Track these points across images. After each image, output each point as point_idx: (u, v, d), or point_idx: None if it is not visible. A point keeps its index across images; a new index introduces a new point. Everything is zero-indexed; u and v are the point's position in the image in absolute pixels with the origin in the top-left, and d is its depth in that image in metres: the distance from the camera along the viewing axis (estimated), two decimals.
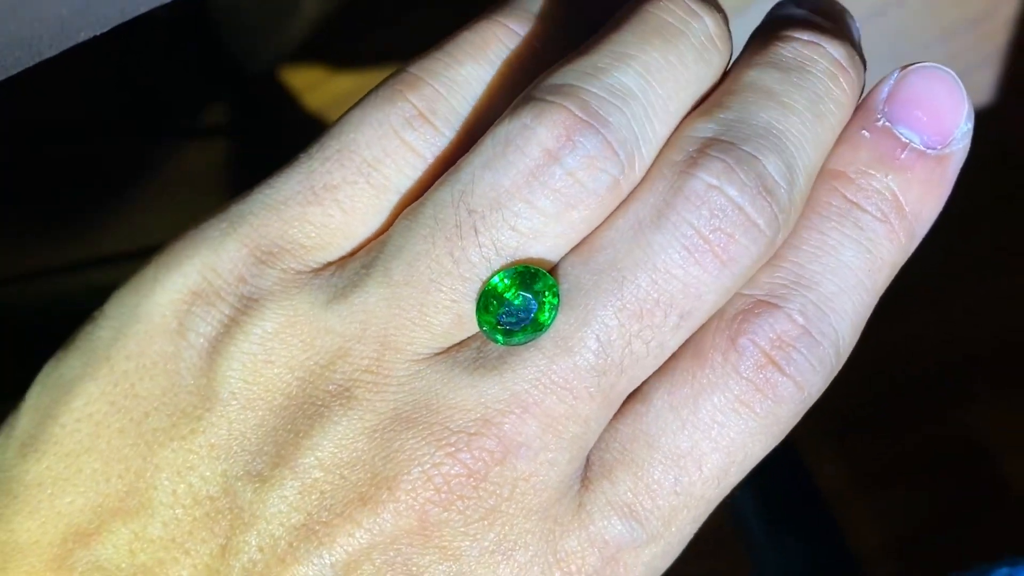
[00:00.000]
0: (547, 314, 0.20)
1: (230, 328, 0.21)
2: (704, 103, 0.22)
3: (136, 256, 0.45)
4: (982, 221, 0.59)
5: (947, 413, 0.61)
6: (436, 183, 0.21)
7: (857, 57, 0.23)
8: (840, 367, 0.22)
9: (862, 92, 0.23)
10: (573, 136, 0.20)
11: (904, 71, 0.23)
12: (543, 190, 0.20)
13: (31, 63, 0.19)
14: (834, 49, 0.23)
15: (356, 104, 0.22)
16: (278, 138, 0.55)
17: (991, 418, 0.61)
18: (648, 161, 0.21)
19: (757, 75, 0.22)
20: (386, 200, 0.22)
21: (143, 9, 0.18)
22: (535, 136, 0.20)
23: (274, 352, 0.21)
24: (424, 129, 0.22)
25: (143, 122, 0.50)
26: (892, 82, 0.23)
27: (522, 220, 0.20)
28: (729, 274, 0.21)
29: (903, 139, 0.22)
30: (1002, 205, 0.61)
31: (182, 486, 0.21)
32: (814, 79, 0.22)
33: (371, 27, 0.56)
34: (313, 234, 0.22)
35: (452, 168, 0.21)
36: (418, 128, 0.22)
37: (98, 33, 0.18)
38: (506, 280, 0.20)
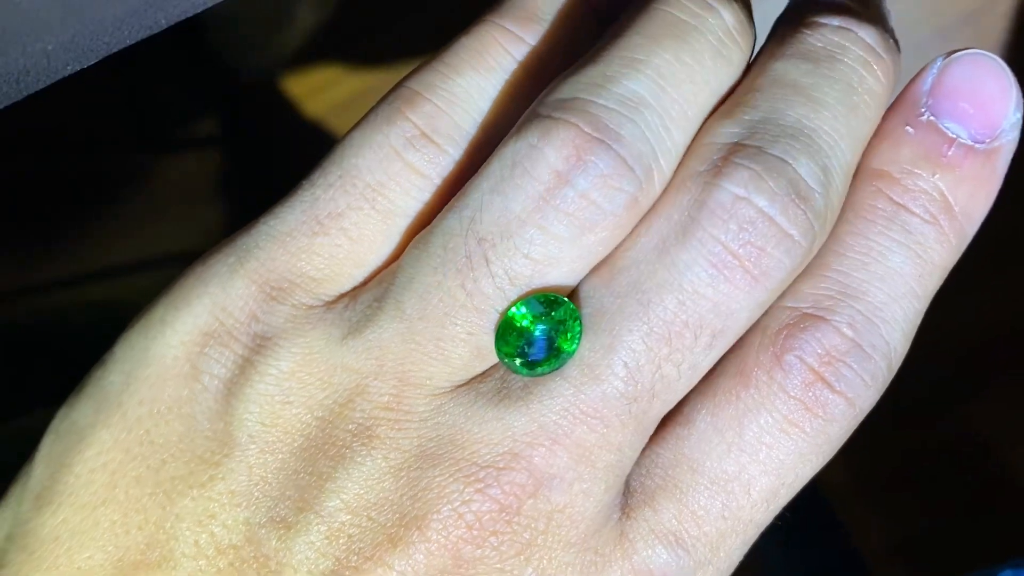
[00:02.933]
0: (571, 343, 0.19)
1: (245, 369, 0.20)
2: (726, 103, 0.21)
3: (133, 270, 0.45)
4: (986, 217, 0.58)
5: (954, 411, 0.61)
6: (444, 209, 0.20)
7: (891, 41, 0.22)
8: (891, 379, 0.21)
9: (897, 79, 0.22)
10: (584, 155, 0.19)
11: (947, 60, 0.21)
12: (556, 214, 0.19)
13: (18, 98, 0.18)
14: (866, 34, 0.21)
15: (356, 125, 0.22)
16: (275, 148, 0.55)
17: (998, 416, 0.61)
18: (668, 173, 0.20)
19: (783, 68, 0.21)
20: (394, 225, 0.21)
21: (129, 42, 0.18)
22: (543, 157, 0.19)
23: (291, 392, 0.20)
24: (427, 149, 0.21)
25: (139, 134, 0.50)
26: (935, 72, 0.21)
27: (536, 247, 0.19)
28: (762, 289, 0.20)
29: (949, 134, 0.21)
30: (1004, 200, 0.61)
31: (204, 536, 0.20)
32: (846, 69, 0.21)
33: (367, 34, 0.56)
34: (322, 266, 0.21)
35: (460, 193, 0.20)
36: (421, 148, 0.21)
37: (85, 66, 0.18)
38: (523, 310, 0.19)
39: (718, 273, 0.19)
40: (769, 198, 0.19)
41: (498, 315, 0.19)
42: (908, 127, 0.21)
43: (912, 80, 0.22)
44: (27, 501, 0.21)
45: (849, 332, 0.20)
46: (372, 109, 0.22)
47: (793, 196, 0.19)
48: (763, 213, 0.19)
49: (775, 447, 0.20)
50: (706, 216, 0.19)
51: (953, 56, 0.21)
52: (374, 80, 0.56)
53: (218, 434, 0.20)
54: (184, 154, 0.52)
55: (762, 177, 0.19)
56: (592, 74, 0.20)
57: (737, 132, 0.20)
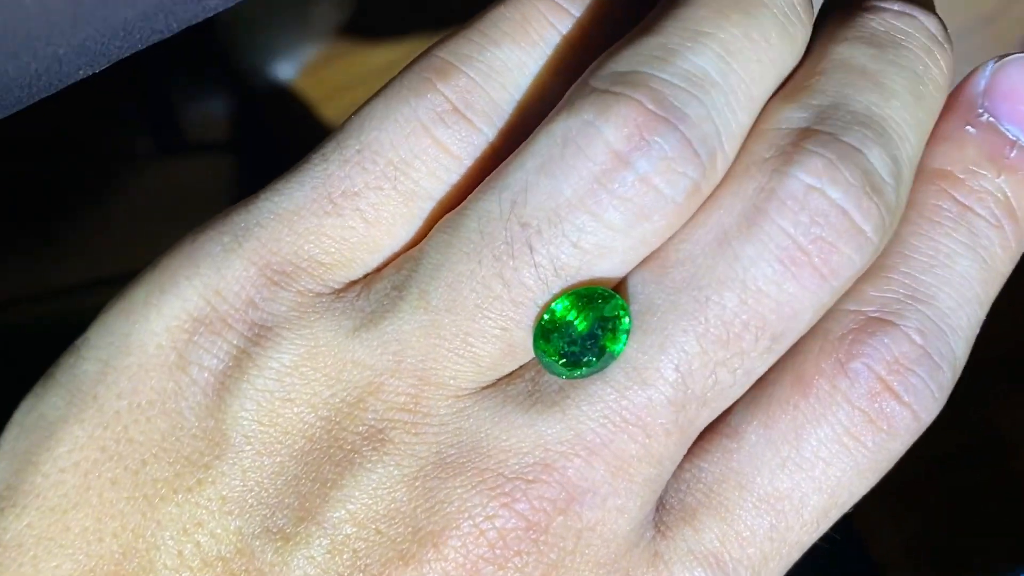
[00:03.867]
0: (617, 342, 0.18)
1: (241, 361, 0.18)
2: (788, 85, 0.19)
3: None
4: None
5: (970, 414, 0.60)
6: (478, 189, 0.18)
7: (947, 32, 0.20)
8: (951, 390, 0.20)
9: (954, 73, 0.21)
10: (646, 135, 0.17)
11: (1000, 63, 0.20)
12: (611, 199, 0.17)
13: (31, 102, 0.18)
14: (928, 21, 0.20)
15: (378, 94, 0.20)
16: (293, 152, 0.55)
17: (1019, 419, 0.60)
18: (731, 157, 0.18)
19: (847, 52, 0.19)
20: (416, 208, 0.19)
21: (141, 46, 0.18)
22: (600, 135, 0.17)
23: (293, 388, 0.18)
24: (459, 125, 0.19)
25: (155, 139, 0.50)
26: (988, 75, 0.20)
27: (586, 235, 0.17)
28: (829, 289, 0.18)
29: (1010, 136, 0.20)
30: None
31: (189, 546, 0.18)
32: (912, 56, 0.19)
33: (385, 36, 0.56)
34: (332, 249, 0.19)
35: (497, 172, 0.18)
36: (452, 124, 0.19)
37: (97, 70, 0.18)
38: (567, 303, 0.17)
39: (785, 270, 0.18)
40: (844, 189, 0.18)
41: (537, 309, 0.18)
42: (969, 127, 0.20)
43: (963, 82, 0.21)
44: None
45: (919, 339, 0.19)
46: (396, 78, 0.20)
47: (867, 188, 0.18)
48: (837, 206, 0.18)
49: (833, 463, 0.19)
50: (775, 206, 0.18)
51: (1006, 60, 0.20)
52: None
53: (208, 433, 0.18)
54: (201, 159, 0.52)
55: (836, 166, 0.18)
56: (652, 46, 0.18)
57: (805, 117, 0.19)
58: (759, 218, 0.18)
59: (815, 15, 0.20)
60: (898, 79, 0.19)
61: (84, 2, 0.17)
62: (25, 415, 0.19)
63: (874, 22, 0.20)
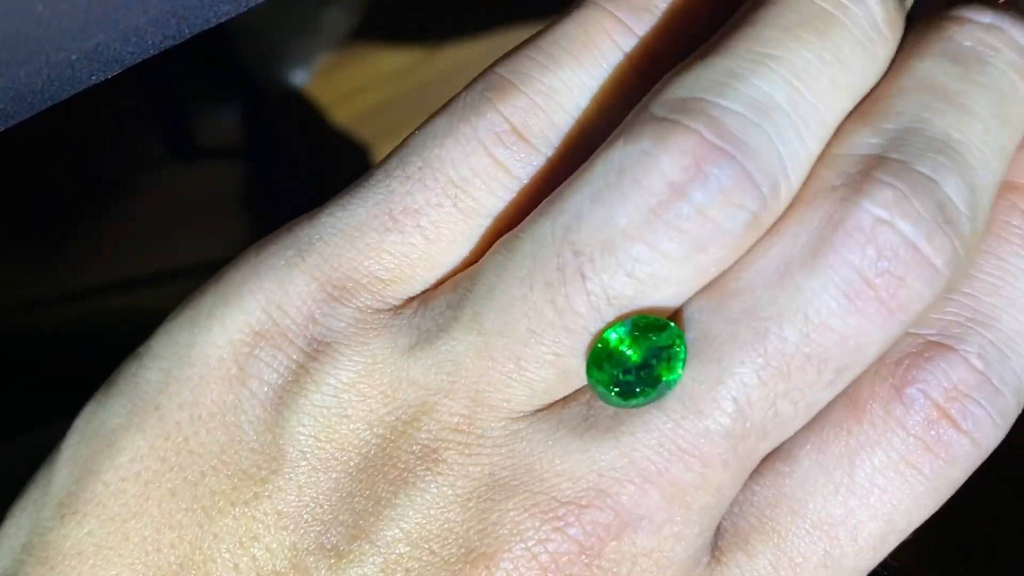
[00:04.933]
0: (672, 371, 0.17)
1: (299, 376, 0.18)
2: (865, 103, 0.19)
3: (160, 280, 0.46)
4: None
5: None
6: (534, 212, 0.18)
7: None
8: (1017, 415, 0.19)
9: None
10: (704, 166, 0.17)
11: None
12: (667, 230, 0.17)
13: (43, 108, 0.18)
14: (1019, 33, 0.19)
15: (439, 111, 0.19)
16: (304, 157, 0.55)
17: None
18: (796, 185, 0.18)
19: (928, 69, 0.18)
20: (476, 225, 0.19)
21: (152, 52, 0.18)
22: (657, 166, 0.17)
23: (350, 405, 0.18)
24: (518, 147, 0.19)
25: (165, 145, 0.50)
26: None
27: (641, 265, 0.17)
28: (896, 323, 0.17)
29: None
30: None
31: (245, 559, 0.18)
32: (997, 74, 0.18)
33: (394, 41, 0.56)
34: (392, 265, 0.19)
35: (553, 196, 0.18)
36: (511, 146, 0.19)
37: (109, 76, 0.18)
38: (622, 332, 0.17)
39: (849, 304, 0.17)
40: (914, 222, 0.17)
41: (590, 337, 0.17)
42: None
43: None
44: (48, 508, 0.19)
45: (979, 364, 0.18)
46: (459, 96, 0.20)
47: (940, 220, 0.17)
48: (906, 240, 0.17)
49: (889, 490, 0.18)
50: (840, 238, 0.17)
51: None
52: (403, 86, 0.56)
53: (266, 447, 0.18)
54: (212, 164, 0.52)
55: (907, 198, 0.17)
56: (716, 70, 0.18)
57: (877, 142, 0.18)
58: (824, 249, 0.17)
59: (904, 24, 0.19)
60: (981, 100, 0.18)
61: (96, 8, 0.17)
62: (87, 423, 0.19)
63: (959, 35, 0.19)
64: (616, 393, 0.17)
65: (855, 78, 0.18)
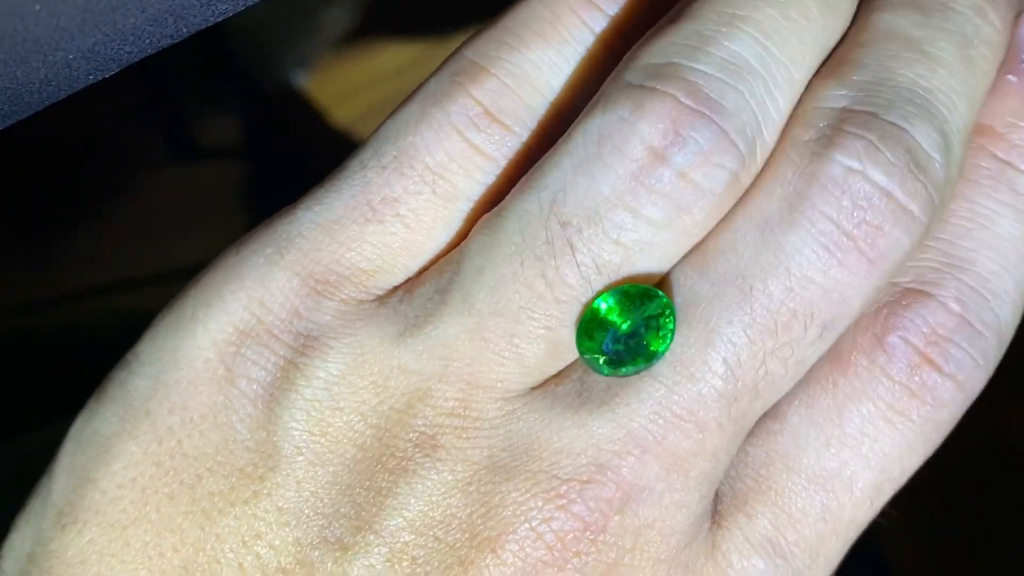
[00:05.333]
0: (662, 340, 0.17)
1: (288, 372, 0.18)
2: (831, 59, 0.19)
3: (160, 280, 0.46)
4: None
5: (990, 415, 0.60)
6: (516, 189, 0.18)
7: None
8: (1001, 356, 0.19)
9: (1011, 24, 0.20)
10: (682, 130, 0.17)
11: None
12: (649, 195, 0.17)
13: (41, 107, 0.18)
14: None
15: (410, 98, 0.20)
16: (304, 156, 0.55)
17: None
18: (771, 144, 0.18)
19: (891, 19, 0.19)
20: (456, 210, 0.19)
21: (150, 51, 0.18)
22: (636, 132, 0.17)
23: (342, 397, 0.18)
24: (492, 129, 0.19)
25: (164, 145, 0.50)
26: None
27: (626, 232, 0.17)
28: (878, 273, 0.18)
29: None
30: None
31: (249, 558, 0.18)
32: (960, 18, 0.19)
33: (394, 39, 0.56)
34: (373, 256, 0.19)
35: (534, 170, 0.18)
36: (485, 128, 0.19)
37: (107, 76, 0.18)
38: (611, 302, 0.17)
39: (830, 256, 0.17)
40: (886, 170, 0.17)
41: (580, 307, 0.18)
42: (1011, 76, 0.19)
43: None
44: (48, 518, 0.19)
45: (957, 307, 0.18)
46: (428, 79, 0.20)
47: (912, 167, 0.17)
48: (880, 188, 0.17)
49: (879, 439, 0.18)
50: (816, 192, 0.17)
51: None
52: (402, 86, 0.56)
53: (260, 445, 0.18)
54: (212, 164, 0.52)
55: (877, 147, 0.17)
56: (686, 33, 0.18)
57: (846, 95, 0.18)
58: (801, 204, 0.18)
59: None
60: (945, 45, 0.18)
61: (93, 7, 0.17)
62: (80, 430, 0.19)
63: None
64: (606, 362, 0.17)
65: (820, 33, 0.18)
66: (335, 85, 0.56)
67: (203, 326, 0.19)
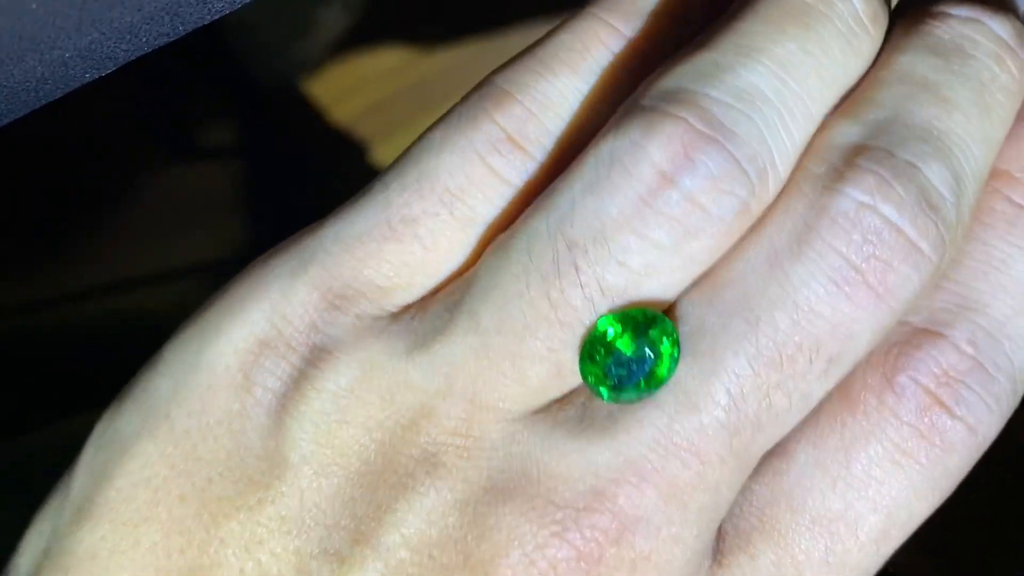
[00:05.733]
0: (666, 367, 0.17)
1: (300, 384, 0.18)
2: (849, 97, 0.19)
3: (160, 280, 0.46)
4: None
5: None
6: (528, 210, 0.18)
7: None
8: (1017, 403, 0.19)
9: None
10: (692, 154, 0.17)
11: None
12: (657, 219, 0.17)
13: (37, 106, 0.18)
14: (998, 26, 0.19)
15: (437, 123, 0.20)
16: (304, 155, 0.55)
17: None
18: (784, 176, 0.18)
19: (910, 62, 0.19)
20: (472, 233, 0.19)
21: (147, 49, 0.18)
22: (646, 155, 0.17)
23: (349, 410, 0.18)
24: (513, 155, 0.19)
25: (163, 144, 0.50)
26: None
27: (632, 255, 0.17)
28: (887, 309, 0.17)
29: None
30: None
31: (250, 564, 0.18)
32: (978, 65, 0.19)
33: (392, 37, 0.56)
34: (391, 274, 0.19)
35: (547, 192, 0.18)
36: (506, 154, 0.19)
37: (103, 74, 0.18)
38: (616, 325, 0.17)
39: (838, 290, 0.17)
40: (897, 206, 0.17)
41: (584, 330, 0.17)
42: None
43: None
44: (67, 513, 0.19)
45: (969, 349, 0.18)
46: (457, 106, 0.20)
47: (923, 205, 0.17)
48: (890, 223, 0.17)
49: (886, 482, 0.18)
50: (826, 225, 0.17)
51: None
52: (400, 84, 0.56)
53: (269, 453, 0.18)
54: (210, 164, 0.52)
55: (889, 183, 0.17)
56: (703, 62, 0.18)
57: (860, 132, 0.18)
58: (810, 237, 0.17)
59: (887, 21, 0.20)
60: (962, 91, 0.18)
61: (90, 5, 0.17)
62: (103, 431, 0.20)
63: (939, 29, 0.19)
64: (608, 386, 0.17)
65: (839, 71, 0.19)
66: (334, 84, 0.56)
67: (226, 334, 0.19)
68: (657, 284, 0.18)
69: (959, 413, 0.18)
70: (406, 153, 0.20)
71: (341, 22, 0.55)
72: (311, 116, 0.55)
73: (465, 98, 0.20)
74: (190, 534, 0.18)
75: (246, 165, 0.53)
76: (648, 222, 0.17)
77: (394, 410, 0.18)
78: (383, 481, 0.18)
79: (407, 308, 0.19)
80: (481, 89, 0.20)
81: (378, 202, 0.19)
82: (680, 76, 0.18)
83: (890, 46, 0.19)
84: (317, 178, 0.52)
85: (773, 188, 0.18)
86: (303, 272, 0.19)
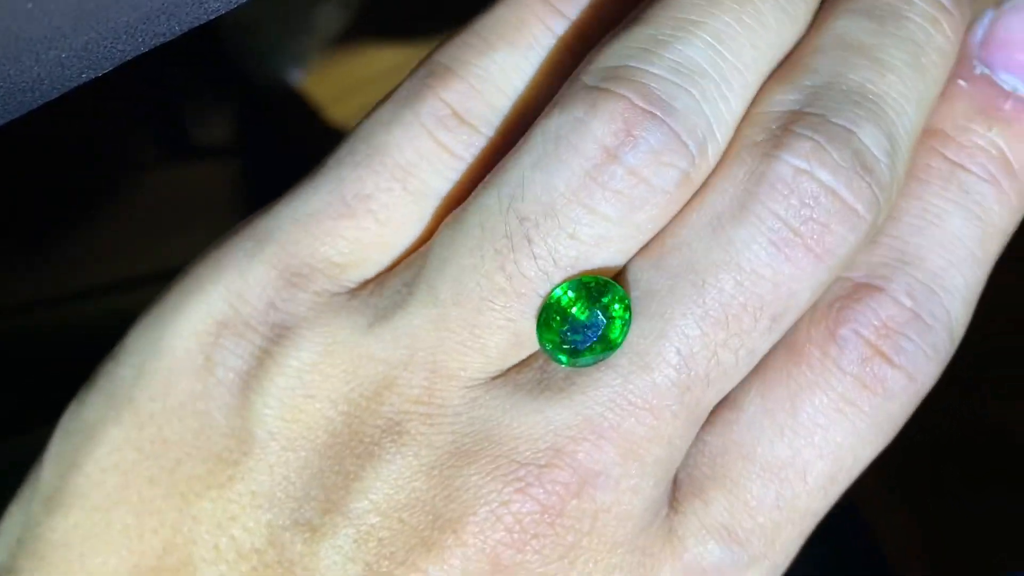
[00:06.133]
0: (619, 331, 0.18)
1: (263, 361, 0.19)
2: (785, 63, 0.20)
3: (159, 280, 0.46)
4: None
5: (987, 407, 0.60)
6: (479, 187, 0.19)
7: None
8: (954, 351, 0.20)
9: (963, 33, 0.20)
10: (633, 130, 0.18)
11: (998, 11, 0.20)
12: (603, 192, 0.18)
13: (34, 106, 0.18)
14: None
15: (384, 100, 0.20)
16: (303, 155, 0.55)
17: (1009, 407, 0.60)
18: (723, 144, 0.19)
19: (844, 26, 0.19)
20: (426, 206, 0.20)
21: (144, 49, 0.18)
22: (590, 132, 0.18)
23: (313, 385, 0.19)
24: (460, 130, 0.20)
25: (158, 144, 0.50)
26: (986, 23, 0.20)
27: (582, 227, 0.18)
28: (825, 268, 0.18)
29: (1006, 87, 0.20)
30: None
31: (224, 539, 0.19)
32: (912, 26, 0.19)
33: (388, 39, 0.56)
34: (346, 250, 0.19)
35: (497, 168, 0.19)
36: (453, 129, 0.20)
37: (100, 74, 0.18)
38: (570, 293, 0.18)
39: (778, 251, 0.18)
40: (832, 171, 0.18)
41: (540, 299, 0.18)
42: (961, 81, 0.20)
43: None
44: (37, 503, 0.20)
45: (907, 302, 0.19)
46: (401, 83, 0.20)
47: (858, 168, 0.18)
48: (826, 187, 0.18)
49: (831, 429, 0.19)
50: (764, 190, 0.18)
51: (1005, 6, 0.20)
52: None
53: (236, 431, 0.19)
54: (207, 163, 0.52)
55: (825, 148, 0.18)
56: (641, 38, 0.19)
57: (797, 99, 0.19)
58: (750, 202, 0.18)
59: None
60: (896, 52, 0.19)
61: (86, 5, 0.17)
62: (69, 420, 0.20)
63: None
64: (565, 351, 0.18)
65: (775, 39, 0.19)
66: (332, 84, 0.56)
67: (185, 317, 0.20)
68: (607, 253, 0.18)
69: (899, 362, 0.19)
70: (356, 130, 0.20)
71: (340, 22, 0.55)
72: (309, 116, 0.55)
73: (409, 76, 0.20)
74: (162, 514, 0.19)
75: (245, 165, 0.53)
76: (595, 196, 0.18)
77: (358, 383, 0.19)
78: (350, 451, 0.19)
79: (365, 284, 0.20)
80: (424, 67, 0.20)
81: (331, 179, 0.20)
82: (619, 53, 0.19)
83: (825, 10, 0.20)
84: None
85: (713, 157, 0.19)
86: (259, 252, 0.20)
